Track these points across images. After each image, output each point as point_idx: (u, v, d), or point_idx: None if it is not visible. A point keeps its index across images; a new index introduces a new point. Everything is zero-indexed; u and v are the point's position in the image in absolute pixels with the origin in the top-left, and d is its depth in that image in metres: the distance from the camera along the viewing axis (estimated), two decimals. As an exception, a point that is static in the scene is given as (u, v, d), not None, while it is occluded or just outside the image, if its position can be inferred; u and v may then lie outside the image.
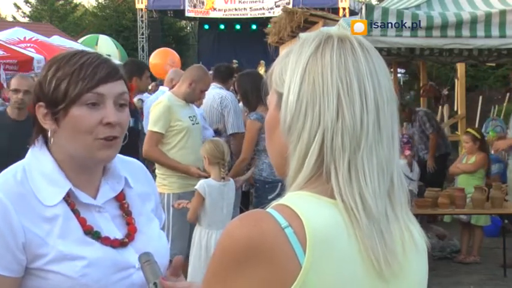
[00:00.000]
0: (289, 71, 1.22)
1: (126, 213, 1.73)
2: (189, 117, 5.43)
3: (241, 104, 6.72)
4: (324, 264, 1.11)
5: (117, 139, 1.66)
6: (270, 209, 1.15)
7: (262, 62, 16.47)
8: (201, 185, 4.93)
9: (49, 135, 1.67)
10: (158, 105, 5.29)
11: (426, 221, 6.98)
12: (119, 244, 1.66)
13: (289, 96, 1.21)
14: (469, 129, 7.95)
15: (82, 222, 1.63)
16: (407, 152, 7.85)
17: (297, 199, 1.16)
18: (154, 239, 1.75)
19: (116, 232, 1.68)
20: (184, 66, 24.97)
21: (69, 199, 1.64)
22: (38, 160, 1.67)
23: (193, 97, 5.50)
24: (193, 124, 5.45)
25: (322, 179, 1.18)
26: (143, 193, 1.81)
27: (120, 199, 1.74)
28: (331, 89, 1.18)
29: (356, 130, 1.17)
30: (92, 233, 1.63)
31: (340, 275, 1.13)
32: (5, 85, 11.70)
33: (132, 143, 4.50)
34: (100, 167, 1.73)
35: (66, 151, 1.66)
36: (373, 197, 1.16)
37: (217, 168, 4.95)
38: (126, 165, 1.81)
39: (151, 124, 5.30)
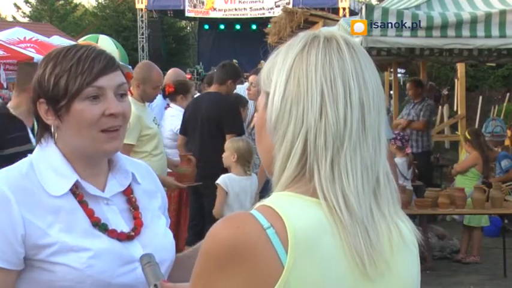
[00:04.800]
0: (276, 71, 1.23)
1: (134, 207, 1.74)
2: (153, 120, 5.37)
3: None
4: (306, 264, 1.11)
5: (121, 129, 1.67)
6: (253, 210, 1.15)
7: (261, 62, 16.46)
8: (222, 179, 4.97)
9: (53, 130, 1.68)
10: None
11: (426, 221, 6.99)
12: (125, 237, 1.66)
13: (275, 95, 1.21)
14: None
15: (89, 213, 1.64)
16: (409, 150, 7.85)
17: (280, 200, 1.17)
18: (160, 234, 1.76)
19: (123, 225, 1.68)
20: (184, 66, 25.02)
21: (77, 190, 1.65)
22: (45, 154, 1.68)
23: (148, 97, 5.36)
24: (157, 126, 5.41)
25: (305, 178, 1.18)
26: (150, 191, 1.82)
27: (128, 193, 1.75)
28: (315, 87, 1.18)
29: (339, 129, 1.17)
30: (99, 224, 1.64)
31: (324, 275, 1.13)
32: (5, 85, 11.70)
33: None
34: (105, 162, 1.74)
35: (72, 145, 1.67)
36: (356, 196, 1.16)
37: (241, 167, 4.98)
38: (132, 164, 1.83)
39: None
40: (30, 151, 3.23)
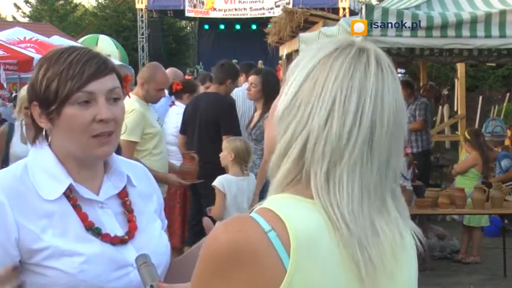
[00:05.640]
0: (300, 66, 1.22)
1: (128, 210, 1.72)
2: (157, 120, 5.36)
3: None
4: (308, 266, 1.11)
5: (113, 134, 1.65)
6: (253, 213, 1.15)
7: (260, 62, 16.46)
8: (219, 181, 4.93)
9: (47, 133, 1.68)
10: (133, 113, 4.97)
11: (426, 221, 6.98)
12: (119, 241, 1.65)
13: (290, 89, 1.21)
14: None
15: (83, 217, 1.63)
16: (408, 150, 7.85)
17: (279, 202, 1.16)
18: (154, 238, 1.74)
19: (118, 229, 1.67)
20: (184, 66, 24.99)
21: (70, 194, 1.64)
22: (39, 157, 1.67)
23: (151, 98, 5.31)
24: (161, 126, 5.41)
25: (303, 182, 1.17)
26: (145, 193, 1.80)
27: (123, 196, 1.73)
28: (328, 94, 1.16)
29: (340, 143, 1.15)
30: (92, 229, 1.63)
31: (325, 276, 1.12)
32: (5, 85, 11.70)
33: None
34: (101, 164, 1.73)
35: (65, 149, 1.66)
36: (351, 214, 1.14)
37: (239, 167, 4.96)
38: (128, 166, 1.81)
39: (127, 133, 4.76)
40: None
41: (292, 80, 1.21)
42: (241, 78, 7.43)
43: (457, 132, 11.16)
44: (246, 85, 6.93)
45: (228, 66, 6.27)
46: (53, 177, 1.64)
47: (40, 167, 1.65)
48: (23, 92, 5.35)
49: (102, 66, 1.64)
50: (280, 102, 1.22)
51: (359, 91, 1.16)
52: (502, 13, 5.98)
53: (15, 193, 1.59)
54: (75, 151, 1.65)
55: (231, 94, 6.60)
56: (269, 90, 5.83)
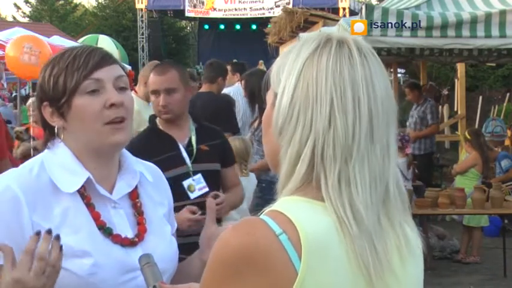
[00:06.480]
0: (285, 72, 1.21)
1: (138, 212, 1.72)
2: None
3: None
4: (319, 269, 1.11)
5: (126, 120, 1.66)
6: (263, 215, 1.14)
7: (261, 62, 16.45)
8: None
9: (58, 132, 1.68)
10: None
11: (426, 221, 6.99)
12: (129, 243, 1.65)
13: (283, 98, 1.19)
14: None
15: (95, 216, 1.63)
16: (409, 150, 7.85)
17: (290, 205, 1.15)
18: (164, 242, 1.74)
19: (128, 230, 1.67)
20: (184, 66, 24.96)
21: (85, 192, 1.64)
22: (56, 154, 1.68)
23: None
24: None
25: (312, 185, 1.17)
26: (157, 196, 1.80)
27: (134, 198, 1.73)
28: (324, 95, 1.16)
29: (348, 140, 1.15)
30: (104, 228, 1.63)
31: (336, 279, 1.12)
32: (5, 85, 11.69)
33: None
34: (116, 161, 1.72)
35: (80, 143, 1.66)
36: (364, 207, 1.14)
37: (238, 166, 4.95)
38: (142, 166, 1.81)
39: None
40: (186, 175, 3.03)
41: (281, 88, 1.20)
42: (235, 77, 7.44)
43: (457, 132, 11.16)
44: (238, 84, 6.96)
45: (217, 65, 6.34)
46: (71, 171, 1.65)
47: (57, 163, 1.66)
48: None
49: (106, 56, 1.67)
50: (276, 115, 1.20)
51: (351, 85, 1.17)
52: (502, 13, 5.98)
53: (32, 190, 1.59)
54: (90, 142, 1.65)
55: (230, 93, 6.62)
56: (251, 94, 5.85)
